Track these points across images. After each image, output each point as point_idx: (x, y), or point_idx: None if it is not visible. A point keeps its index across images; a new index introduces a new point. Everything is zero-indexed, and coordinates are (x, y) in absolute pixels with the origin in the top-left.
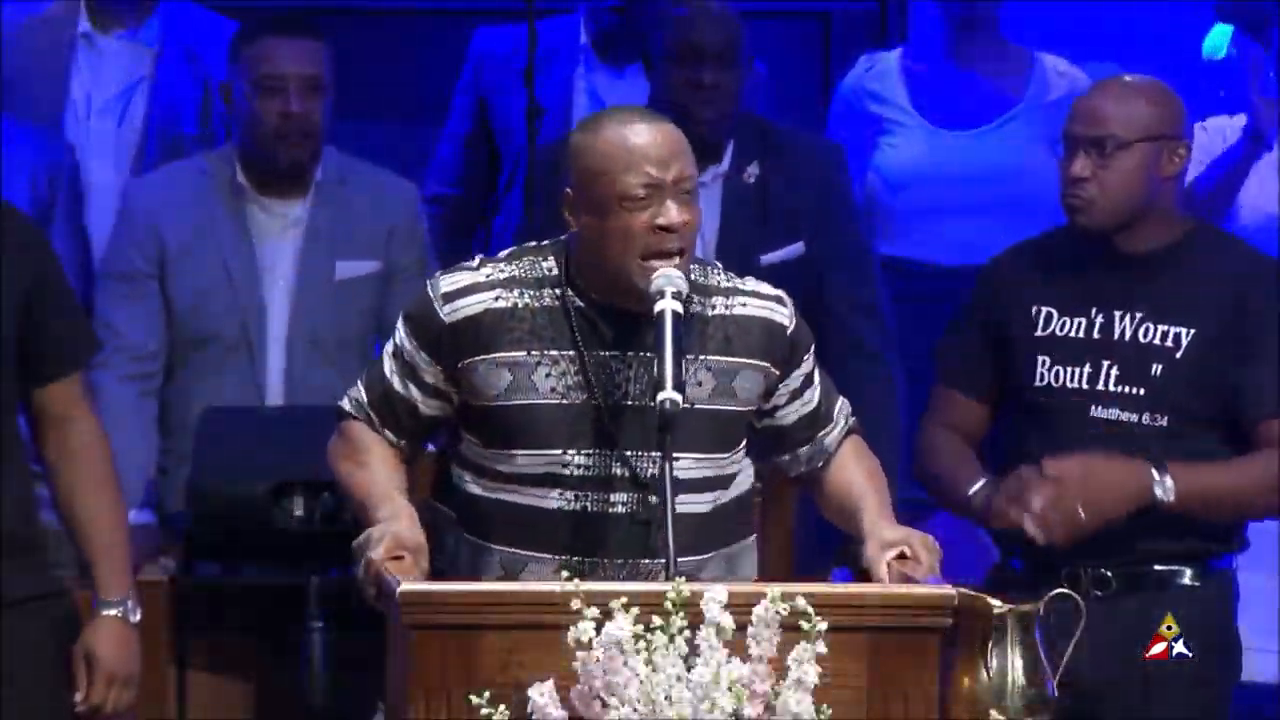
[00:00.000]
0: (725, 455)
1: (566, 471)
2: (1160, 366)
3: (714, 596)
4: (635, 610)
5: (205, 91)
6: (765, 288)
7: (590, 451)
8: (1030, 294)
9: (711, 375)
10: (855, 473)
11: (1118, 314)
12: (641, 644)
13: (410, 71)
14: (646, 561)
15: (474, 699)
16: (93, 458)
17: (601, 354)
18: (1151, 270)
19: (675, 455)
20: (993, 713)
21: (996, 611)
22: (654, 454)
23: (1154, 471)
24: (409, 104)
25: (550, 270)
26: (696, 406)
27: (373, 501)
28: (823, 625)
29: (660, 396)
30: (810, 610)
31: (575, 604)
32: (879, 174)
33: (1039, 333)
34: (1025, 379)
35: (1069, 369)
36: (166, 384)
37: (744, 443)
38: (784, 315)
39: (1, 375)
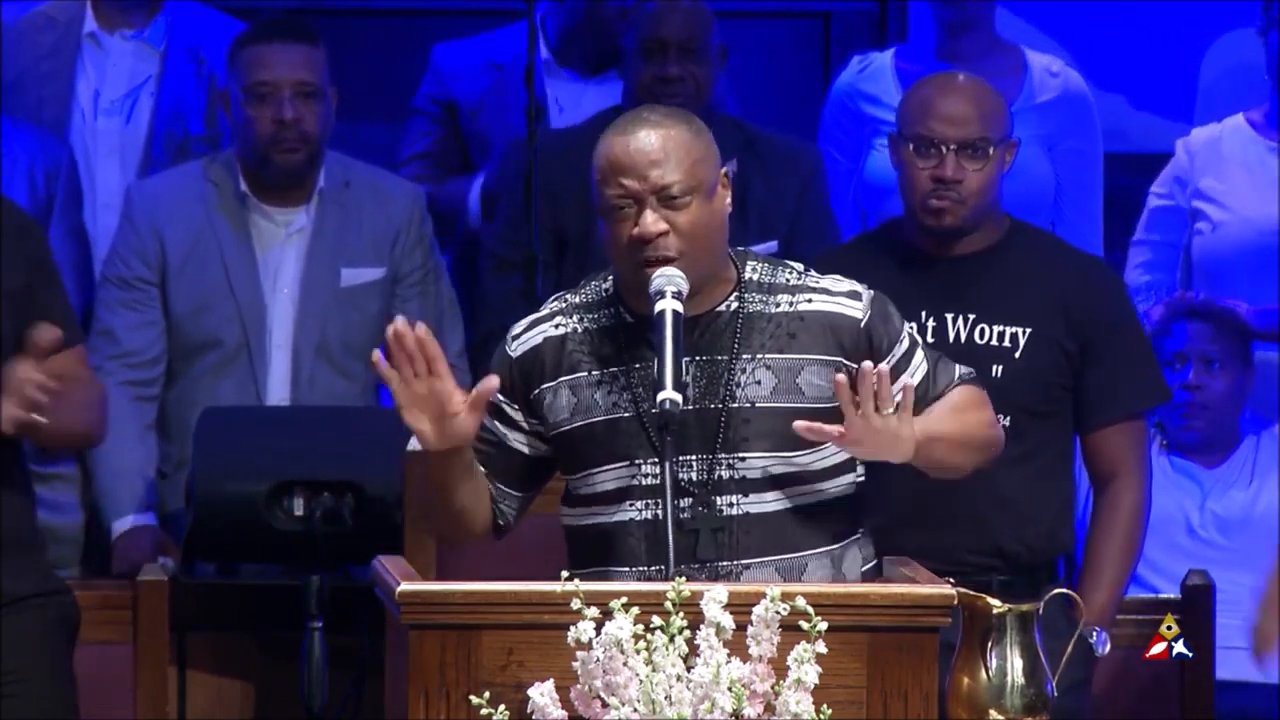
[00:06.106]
0: (801, 452)
1: (636, 482)
2: (1000, 367)
3: (714, 596)
4: (635, 610)
5: (210, 92)
6: (839, 284)
7: (654, 460)
8: None
9: (771, 373)
10: (939, 404)
11: (949, 316)
12: (641, 644)
13: (410, 71)
14: (725, 564)
15: (474, 699)
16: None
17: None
18: (976, 271)
19: (740, 455)
20: (992, 713)
21: (996, 611)
22: (704, 456)
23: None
24: (408, 104)
25: (608, 290)
26: (758, 405)
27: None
28: (823, 625)
29: (660, 396)
30: (810, 610)
31: (575, 604)
32: (873, 176)
33: None
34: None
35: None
36: (168, 389)
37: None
38: (855, 309)
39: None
